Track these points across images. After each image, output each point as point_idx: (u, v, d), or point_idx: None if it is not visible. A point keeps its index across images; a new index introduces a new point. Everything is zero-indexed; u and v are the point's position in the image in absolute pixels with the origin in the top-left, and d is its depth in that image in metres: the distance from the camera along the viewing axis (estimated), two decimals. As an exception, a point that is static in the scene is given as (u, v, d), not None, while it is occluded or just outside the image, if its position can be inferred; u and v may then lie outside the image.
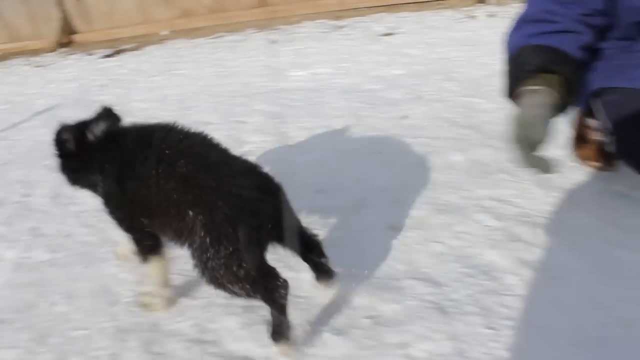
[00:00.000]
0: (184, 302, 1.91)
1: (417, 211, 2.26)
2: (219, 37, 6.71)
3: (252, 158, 2.56)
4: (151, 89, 4.76)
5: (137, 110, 4.14)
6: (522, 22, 1.97)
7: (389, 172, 2.62)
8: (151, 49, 6.73)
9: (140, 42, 7.34)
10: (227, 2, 7.33)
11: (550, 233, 2.02)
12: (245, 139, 3.23)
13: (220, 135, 3.28)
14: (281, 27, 6.62)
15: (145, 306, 1.89)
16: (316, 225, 2.13)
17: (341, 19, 6.57)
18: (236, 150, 1.76)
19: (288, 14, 7.06)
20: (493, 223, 2.11)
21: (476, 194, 2.33)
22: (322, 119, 3.39)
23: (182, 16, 7.57)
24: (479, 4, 6.37)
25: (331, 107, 3.59)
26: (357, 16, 6.59)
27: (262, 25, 6.87)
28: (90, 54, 7.22)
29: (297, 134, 3.20)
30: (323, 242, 1.77)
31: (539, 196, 2.25)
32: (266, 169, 1.68)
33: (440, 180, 2.48)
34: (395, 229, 2.14)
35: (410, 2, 6.80)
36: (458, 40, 4.90)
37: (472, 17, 5.81)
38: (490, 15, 5.74)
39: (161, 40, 7.23)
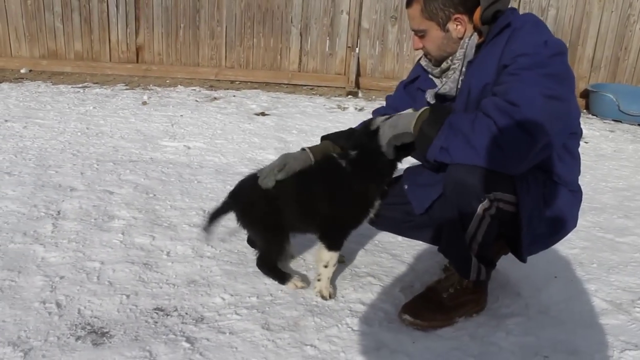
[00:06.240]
0: None
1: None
2: (86, 87, 6.43)
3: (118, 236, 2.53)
4: (5, 137, 4.39)
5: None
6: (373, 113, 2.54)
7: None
8: (5, 87, 6.25)
9: (-6, 76, 6.82)
10: (100, 52, 7.10)
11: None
12: (114, 213, 3.09)
13: (86, 205, 3.14)
14: (154, 87, 6.52)
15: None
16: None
17: (216, 89, 6.66)
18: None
19: (162, 74, 6.99)
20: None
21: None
22: (194, 200, 3.37)
23: (46, 57, 7.17)
24: (350, 96, 6.82)
25: (205, 188, 3.58)
26: (232, 89, 6.72)
27: (134, 82, 6.72)
28: None
29: (169, 214, 3.14)
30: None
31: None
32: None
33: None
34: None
35: (285, 83, 7.09)
36: (329, 130, 5.17)
37: (344, 108, 6.19)
38: (360, 109, 6.16)
39: (18, 78, 6.76)
